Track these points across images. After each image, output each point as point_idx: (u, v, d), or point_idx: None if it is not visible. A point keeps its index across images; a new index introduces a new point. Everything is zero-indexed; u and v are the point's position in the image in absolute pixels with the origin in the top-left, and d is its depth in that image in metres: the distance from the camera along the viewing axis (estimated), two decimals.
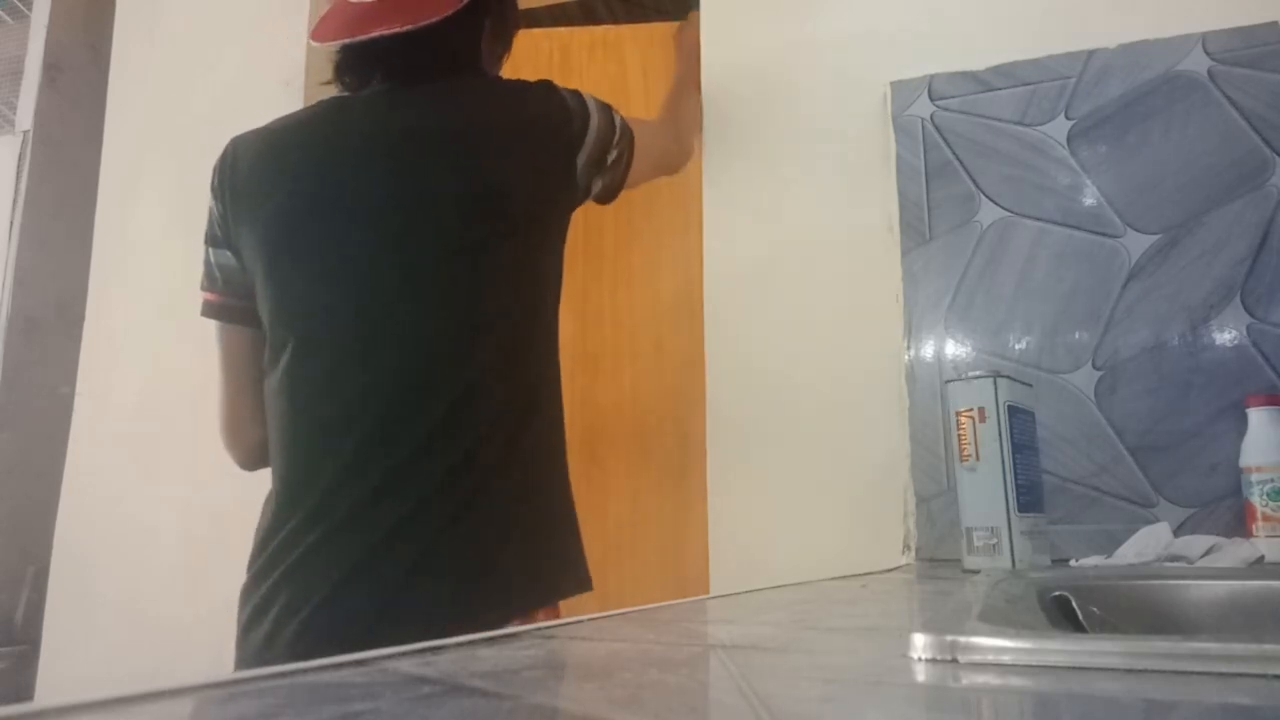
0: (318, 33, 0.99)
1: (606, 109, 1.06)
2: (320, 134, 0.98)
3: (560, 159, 1.00)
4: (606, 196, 1.10)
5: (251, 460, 1.02)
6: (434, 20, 0.93)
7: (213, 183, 1.00)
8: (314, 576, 0.85)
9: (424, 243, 0.91)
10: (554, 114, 1.00)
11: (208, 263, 1.01)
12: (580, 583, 0.94)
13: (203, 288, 1.02)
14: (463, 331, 0.91)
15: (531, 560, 0.90)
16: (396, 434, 0.87)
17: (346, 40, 0.96)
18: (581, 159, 1.01)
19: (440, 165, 0.92)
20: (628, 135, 1.09)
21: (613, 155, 1.06)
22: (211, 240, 1.01)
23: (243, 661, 0.89)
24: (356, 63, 1.00)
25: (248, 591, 0.91)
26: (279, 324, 0.94)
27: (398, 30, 0.93)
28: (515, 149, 0.96)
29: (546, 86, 1.03)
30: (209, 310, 1.02)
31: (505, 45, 1.12)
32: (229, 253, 0.99)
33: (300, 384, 0.92)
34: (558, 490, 0.97)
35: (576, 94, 1.04)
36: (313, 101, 1.06)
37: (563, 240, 1.03)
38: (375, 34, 0.94)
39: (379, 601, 0.83)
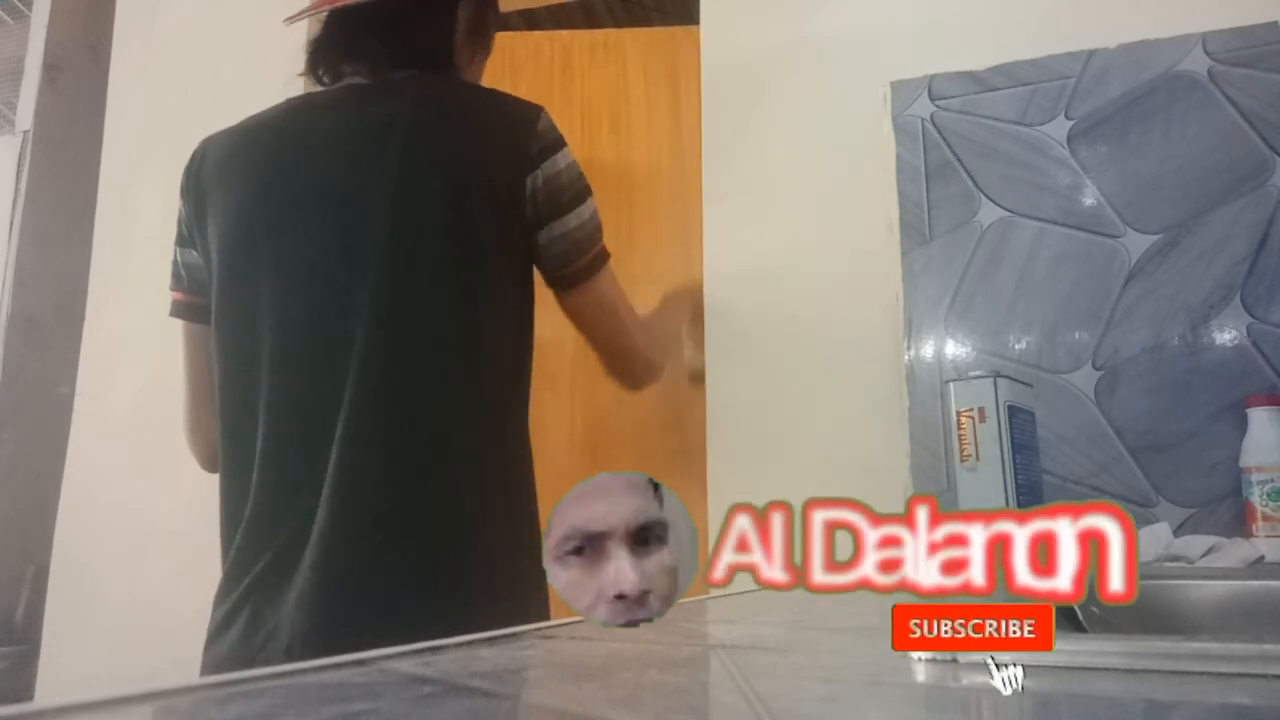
0: (292, 17, 1.03)
1: (583, 177, 0.96)
2: (285, 129, 0.97)
3: (512, 164, 0.92)
4: (553, 271, 0.96)
5: (213, 461, 0.99)
6: None
7: (181, 183, 0.99)
8: (276, 594, 0.82)
9: (378, 238, 0.88)
10: (518, 120, 0.94)
11: (175, 262, 1.02)
12: (541, 614, 0.90)
13: (170, 287, 1.03)
14: (424, 337, 0.88)
15: (497, 582, 0.87)
16: (325, 450, 0.84)
17: (311, 13, 0.99)
18: (531, 183, 0.92)
19: (393, 168, 0.89)
20: (597, 225, 0.97)
21: (572, 219, 0.94)
22: (179, 240, 1.01)
23: (208, 668, 0.86)
24: (330, 51, 1.00)
25: (220, 595, 0.87)
26: (224, 321, 0.92)
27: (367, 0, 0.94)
28: (476, 148, 0.92)
29: (527, 104, 0.96)
30: (176, 310, 1.02)
31: (484, 48, 1.09)
32: (194, 252, 0.98)
33: (240, 386, 0.89)
34: (524, 506, 0.94)
35: (555, 130, 0.95)
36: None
37: (523, 273, 0.95)
38: (341, 4, 0.96)
39: (339, 624, 0.80)
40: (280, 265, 0.90)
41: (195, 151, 1.00)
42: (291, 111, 0.99)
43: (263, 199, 0.92)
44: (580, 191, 0.96)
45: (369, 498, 0.83)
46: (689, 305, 1.34)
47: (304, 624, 0.80)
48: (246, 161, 0.95)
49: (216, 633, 0.86)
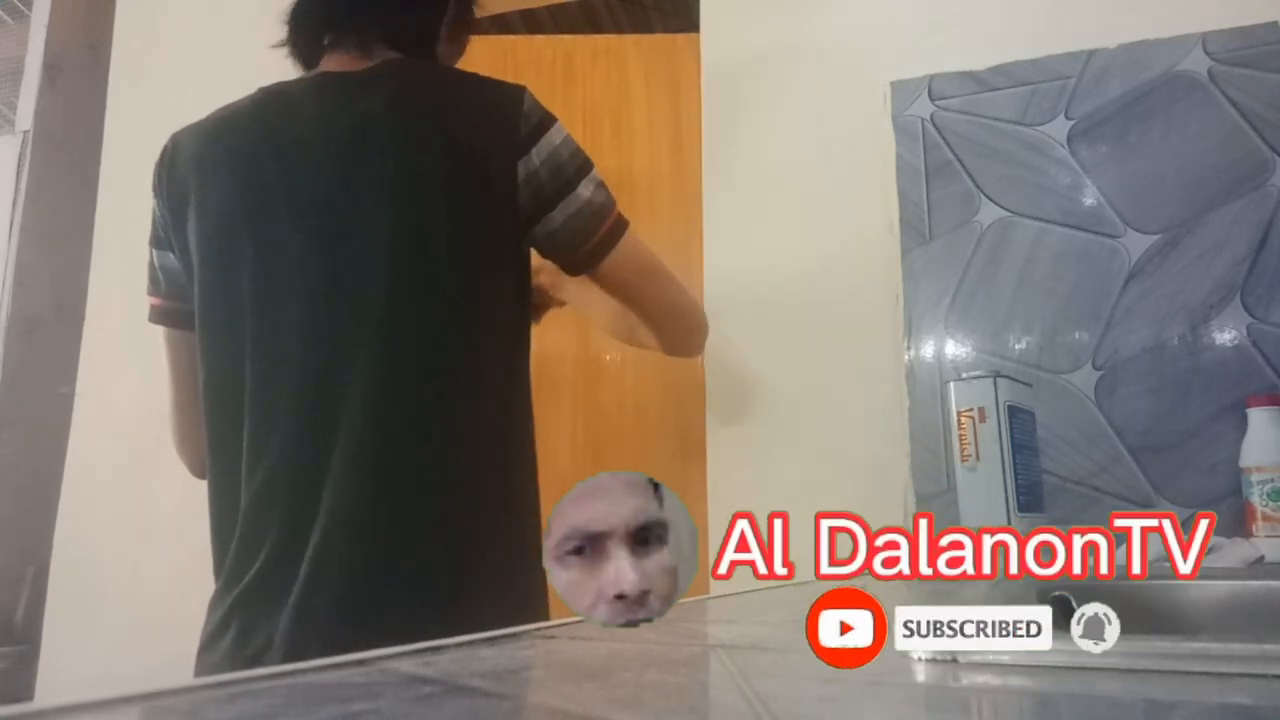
0: None
1: (580, 150, 0.92)
2: (259, 125, 0.91)
3: (500, 150, 0.87)
4: (569, 254, 0.91)
5: (202, 467, 0.96)
6: None
7: (153, 182, 0.95)
8: (266, 603, 0.80)
9: (345, 247, 0.85)
10: (502, 102, 0.89)
11: (151, 265, 0.96)
12: (540, 614, 0.88)
13: (148, 292, 0.97)
14: (423, 340, 0.85)
15: (498, 581, 0.85)
16: (317, 458, 0.81)
17: None
18: (525, 167, 0.87)
19: (371, 162, 0.85)
20: (608, 194, 0.93)
21: (580, 195, 0.89)
22: (154, 242, 0.96)
23: (200, 671, 0.84)
24: (309, 24, 0.95)
25: (213, 602, 0.85)
26: (207, 327, 0.89)
27: None
28: (462, 136, 0.87)
29: (509, 84, 0.92)
30: (154, 315, 0.97)
31: (460, 46, 1.05)
32: (171, 254, 0.93)
33: (225, 394, 0.87)
34: (528, 506, 0.92)
35: (542, 107, 0.91)
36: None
37: (519, 269, 0.92)
38: None
39: (333, 630, 0.77)
40: (266, 267, 0.86)
41: (165, 146, 0.95)
42: (267, 103, 0.93)
43: (244, 197, 0.88)
44: (583, 164, 0.91)
45: (367, 507, 0.81)
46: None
47: (300, 635, 0.78)
48: (224, 158, 0.90)
49: (210, 640, 0.84)
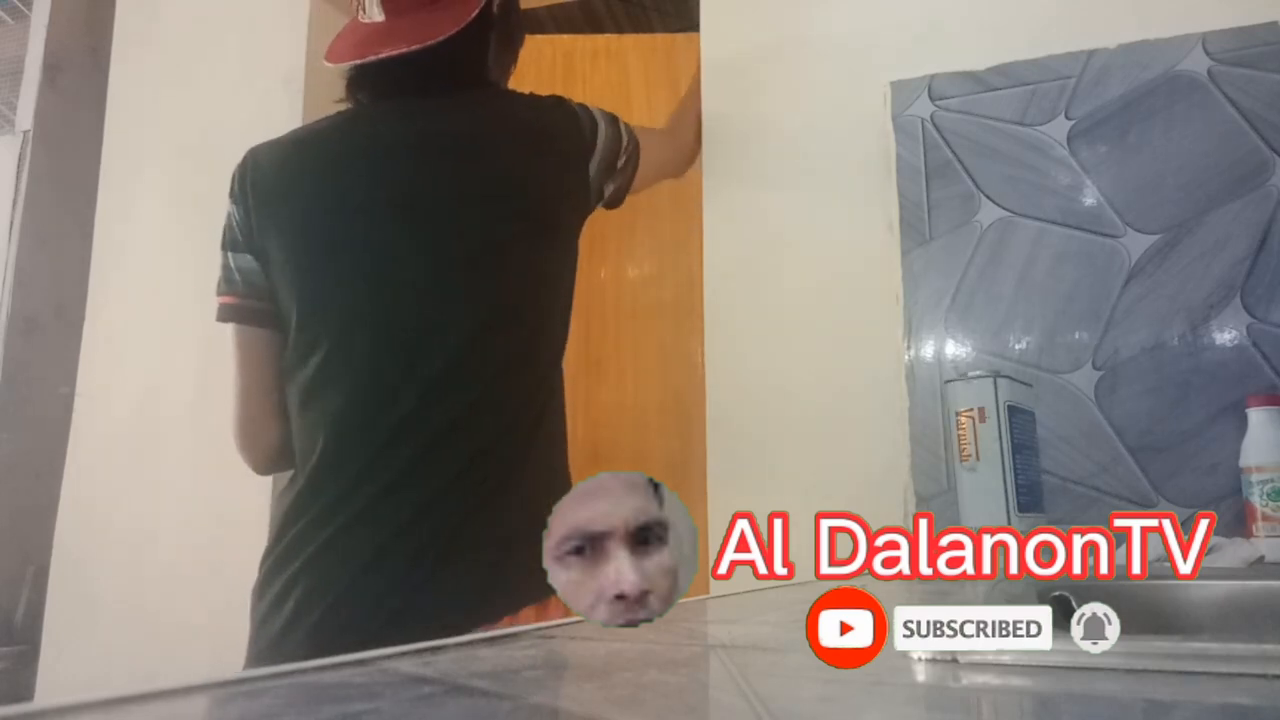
0: (331, 53, 1.03)
1: (614, 119, 1.12)
2: (341, 140, 1.01)
3: (573, 165, 1.05)
4: (615, 200, 1.14)
5: (268, 463, 1.03)
6: (438, 40, 0.97)
7: (232, 189, 1.02)
8: (333, 568, 0.87)
9: (447, 242, 0.95)
10: (565, 122, 1.06)
11: (226, 267, 1.02)
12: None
13: (219, 292, 1.02)
14: (484, 331, 0.94)
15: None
16: (416, 430, 0.90)
17: (357, 61, 1.00)
18: (594, 166, 1.06)
19: (459, 166, 0.96)
20: (634, 141, 1.14)
21: (621, 160, 1.11)
22: (231, 245, 1.02)
23: (258, 654, 0.90)
24: (369, 79, 1.03)
25: (263, 584, 0.92)
26: (310, 325, 0.96)
27: (404, 51, 0.96)
28: (531, 152, 1.01)
29: (557, 99, 1.08)
30: (227, 313, 1.02)
31: (512, 58, 1.16)
32: (250, 256, 1.00)
33: (331, 383, 0.94)
34: (562, 489, 0.99)
35: (584, 106, 1.10)
36: (313, 102, 1.07)
37: (575, 246, 1.07)
38: (383, 55, 0.97)
39: (397, 594, 0.86)
40: (357, 268, 0.95)
41: (244, 158, 1.03)
42: (348, 123, 1.03)
43: (332, 204, 0.97)
44: (617, 143, 1.11)
45: (453, 491, 0.89)
46: (693, 104, 1.45)
47: (384, 599, 0.85)
48: (307, 170, 0.99)
49: (265, 617, 0.89)
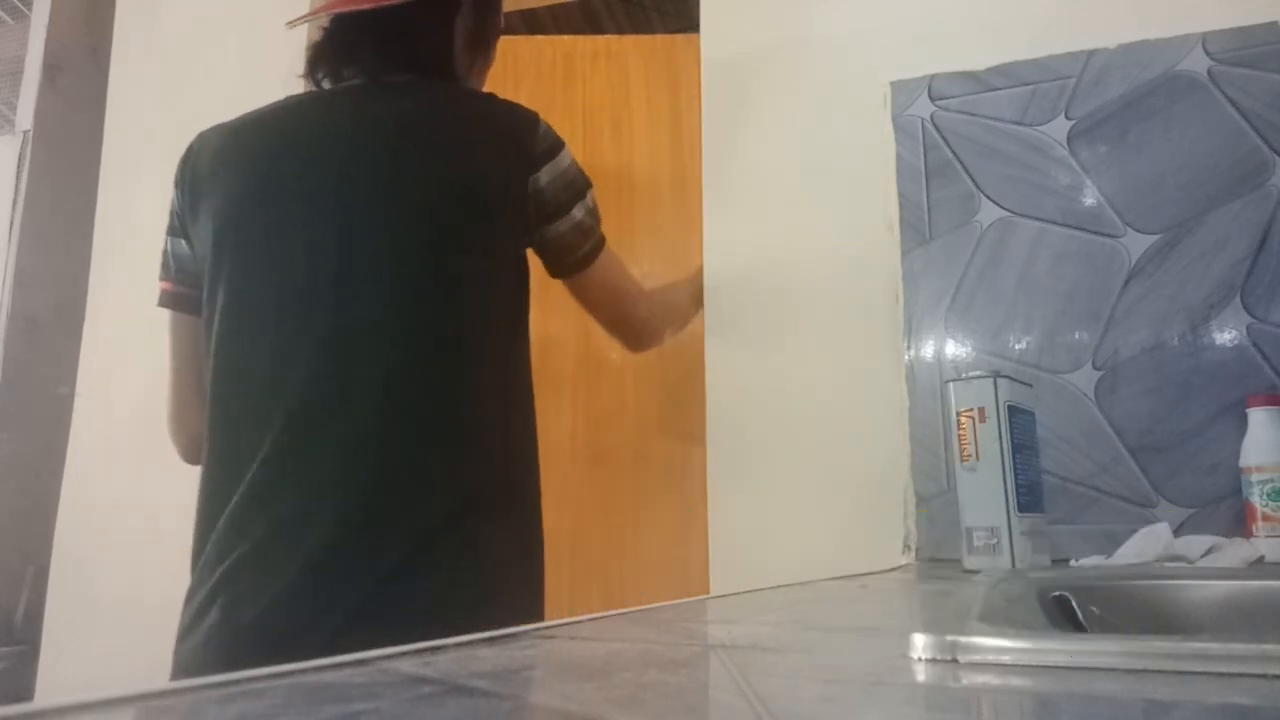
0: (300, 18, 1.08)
1: (582, 173, 1.03)
2: (281, 124, 0.98)
3: (514, 166, 0.96)
4: (556, 262, 1.03)
5: (194, 452, 1.00)
6: (396, 3, 0.96)
7: (175, 175, 1.02)
8: (250, 586, 0.81)
9: (370, 233, 0.89)
10: (519, 124, 0.98)
11: (165, 252, 1.03)
12: (536, 616, 0.91)
13: (159, 277, 1.04)
14: (427, 335, 0.89)
15: (496, 585, 0.87)
16: (326, 434, 0.84)
17: (310, 16, 1.03)
18: (533, 184, 0.96)
19: (401, 154, 0.92)
20: (596, 216, 1.05)
21: (574, 216, 1.00)
22: (170, 230, 1.02)
23: (177, 673, 0.85)
24: (329, 56, 1.03)
25: (190, 593, 0.87)
26: (226, 314, 0.92)
27: (366, 7, 0.97)
28: (478, 146, 0.95)
29: (525, 109, 1.01)
30: (164, 299, 1.03)
31: (484, 57, 1.12)
32: (184, 242, 1.00)
33: (234, 374, 0.90)
34: (527, 509, 0.94)
35: (554, 134, 1.01)
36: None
37: (517, 263, 0.99)
38: (344, 9, 0.99)
39: (326, 614, 0.79)
40: (278, 259, 0.91)
41: (191, 144, 1.02)
42: (289, 108, 1.01)
43: (259, 191, 0.94)
44: (582, 187, 1.03)
45: (372, 496, 0.83)
46: (692, 287, 1.37)
47: (292, 623, 0.79)
48: (243, 154, 0.97)
49: (189, 626, 0.85)
